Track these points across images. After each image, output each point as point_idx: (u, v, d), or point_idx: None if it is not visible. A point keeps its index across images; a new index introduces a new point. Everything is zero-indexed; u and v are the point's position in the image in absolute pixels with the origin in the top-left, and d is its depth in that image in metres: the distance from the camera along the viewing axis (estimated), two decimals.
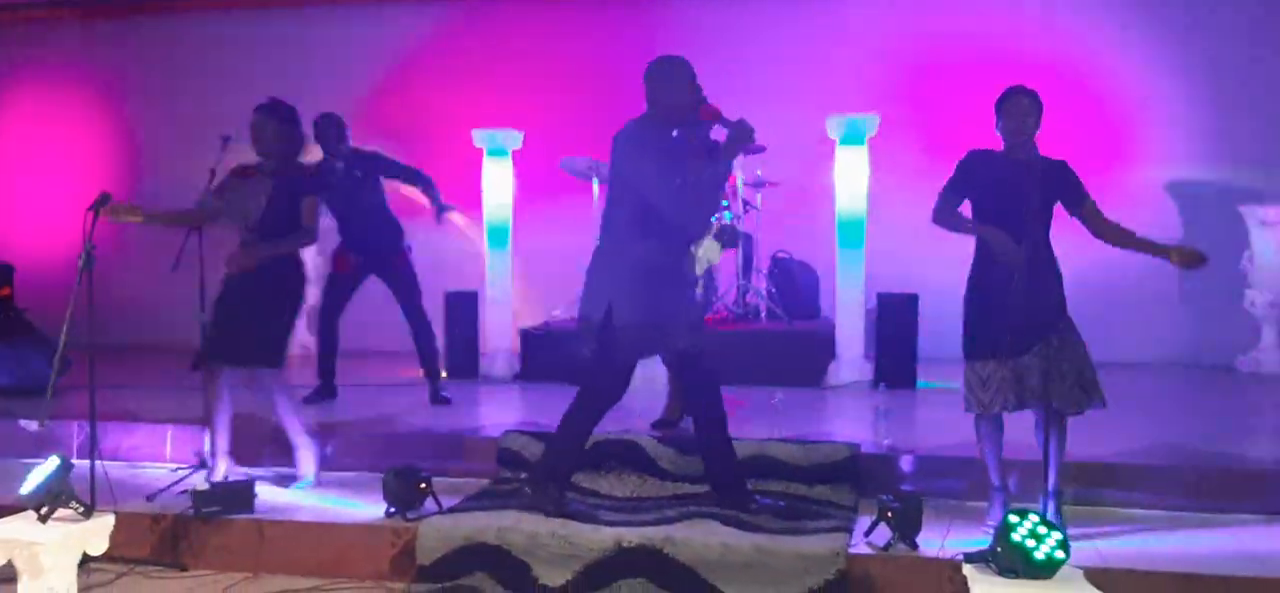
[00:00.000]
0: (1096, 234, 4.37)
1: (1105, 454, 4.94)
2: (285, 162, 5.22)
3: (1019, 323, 4.07)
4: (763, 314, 8.13)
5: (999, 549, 3.02)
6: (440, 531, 4.54)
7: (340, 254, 6.70)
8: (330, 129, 6.51)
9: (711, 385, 4.74)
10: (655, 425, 5.63)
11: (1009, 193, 4.23)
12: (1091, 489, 4.80)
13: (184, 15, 10.11)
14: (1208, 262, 4.20)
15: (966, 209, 4.46)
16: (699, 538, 4.35)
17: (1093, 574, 3.14)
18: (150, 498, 5.02)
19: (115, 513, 3.96)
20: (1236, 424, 6.41)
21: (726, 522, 4.53)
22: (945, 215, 4.43)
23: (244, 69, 9.87)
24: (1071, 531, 4.28)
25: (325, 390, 6.77)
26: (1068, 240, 4.49)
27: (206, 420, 5.25)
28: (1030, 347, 4.21)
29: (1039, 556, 2.94)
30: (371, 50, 9.77)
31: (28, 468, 4.00)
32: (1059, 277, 4.36)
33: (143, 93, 10.06)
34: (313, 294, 6.85)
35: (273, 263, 5.13)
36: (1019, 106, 4.26)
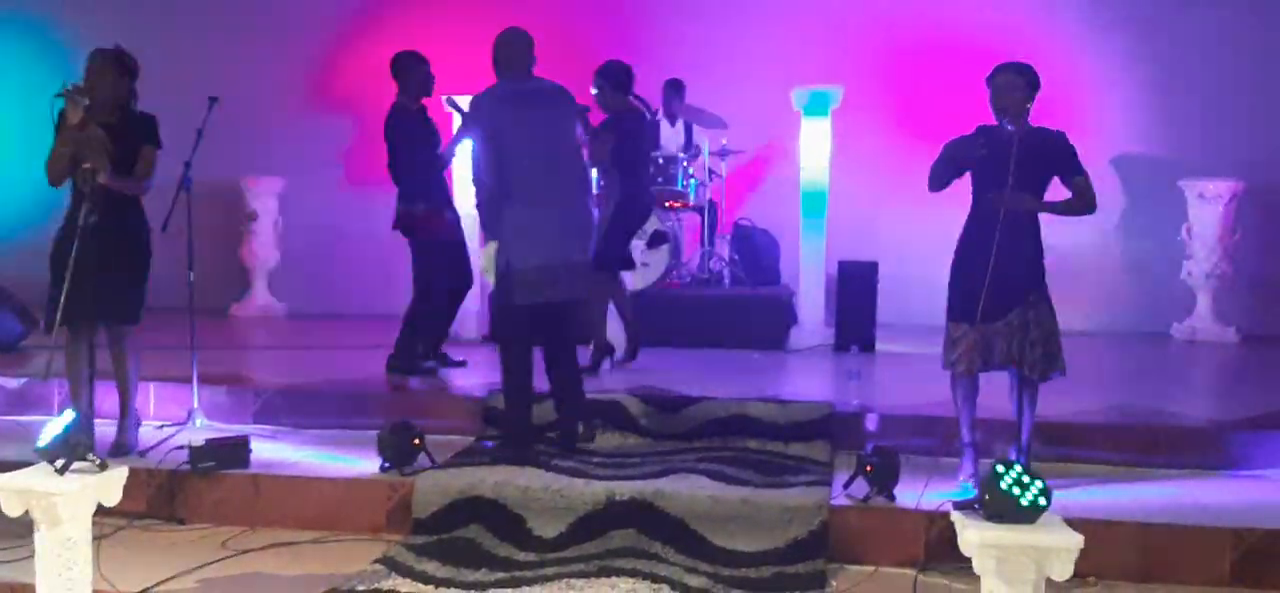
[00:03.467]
0: (1076, 203, 4.57)
1: (1061, 414, 5.23)
2: (124, 111, 5.07)
3: (996, 288, 4.32)
4: (726, 280, 8.35)
5: (987, 497, 3.25)
6: (437, 485, 4.70)
7: (436, 213, 6.39)
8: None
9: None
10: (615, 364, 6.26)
11: (999, 167, 4.43)
12: (1050, 446, 5.09)
13: None
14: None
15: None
16: (687, 491, 4.56)
17: None
18: (143, 454, 5.09)
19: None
20: (1177, 387, 6.80)
21: (711, 476, 4.74)
22: (939, 175, 4.62)
23: (201, 25, 9.78)
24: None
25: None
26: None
27: (87, 381, 5.07)
28: (1005, 312, 4.45)
29: (1025, 502, 3.18)
30: (329, 8, 9.75)
31: (9, 425, 4.02)
32: (1040, 248, 4.59)
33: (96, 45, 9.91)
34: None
35: (132, 219, 5.07)
36: (1005, 83, 4.49)
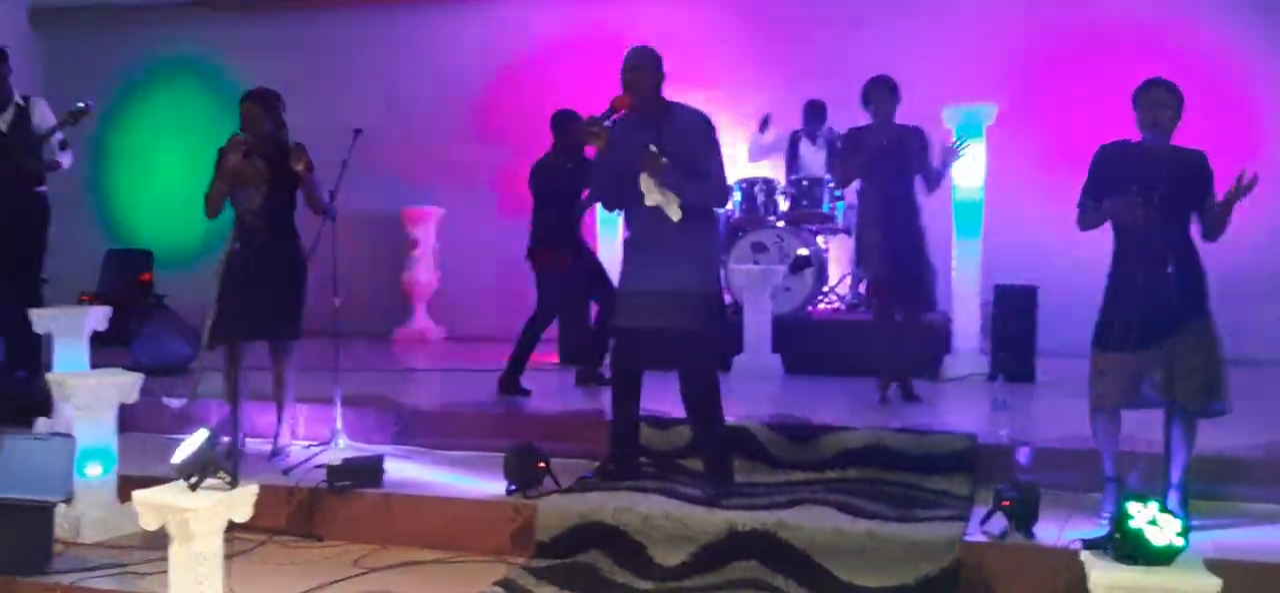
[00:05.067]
0: (1204, 233, 4.31)
1: (1223, 448, 4.82)
2: (277, 145, 5.49)
3: (1147, 316, 4.04)
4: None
5: (1117, 536, 3.01)
6: (558, 509, 4.69)
7: (553, 252, 6.78)
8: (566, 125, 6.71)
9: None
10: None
11: (1141, 185, 4.17)
12: (1214, 483, 4.71)
13: (314, 10, 10.47)
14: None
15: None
16: (811, 523, 4.41)
17: (1212, 565, 3.11)
18: (286, 472, 5.28)
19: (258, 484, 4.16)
20: None
21: (840, 508, 4.57)
22: (1087, 218, 4.42)
23: (364, 64, 10.23)
24: (1192, 522, 4.23)
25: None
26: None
27: (234, 397, 5.57)
28: (1159, 340, 4.15)
29: (1158, 542, 2.93)
30: (486, 47, 10.02)
31: (174, 442, 4.22)
32: (1200, 271, 4.29)
33: (274, 85, 10.44)
34: None
35: (287, 242, 5.50)
36: (1155, 98, 4.23)
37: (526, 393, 6.59)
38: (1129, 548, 2.98)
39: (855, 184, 6.75)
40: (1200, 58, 8.12)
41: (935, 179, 6.42)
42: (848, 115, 8.33)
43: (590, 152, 6.50)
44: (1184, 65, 7.83)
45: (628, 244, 5.01)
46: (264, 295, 5.37)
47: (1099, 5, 8.55)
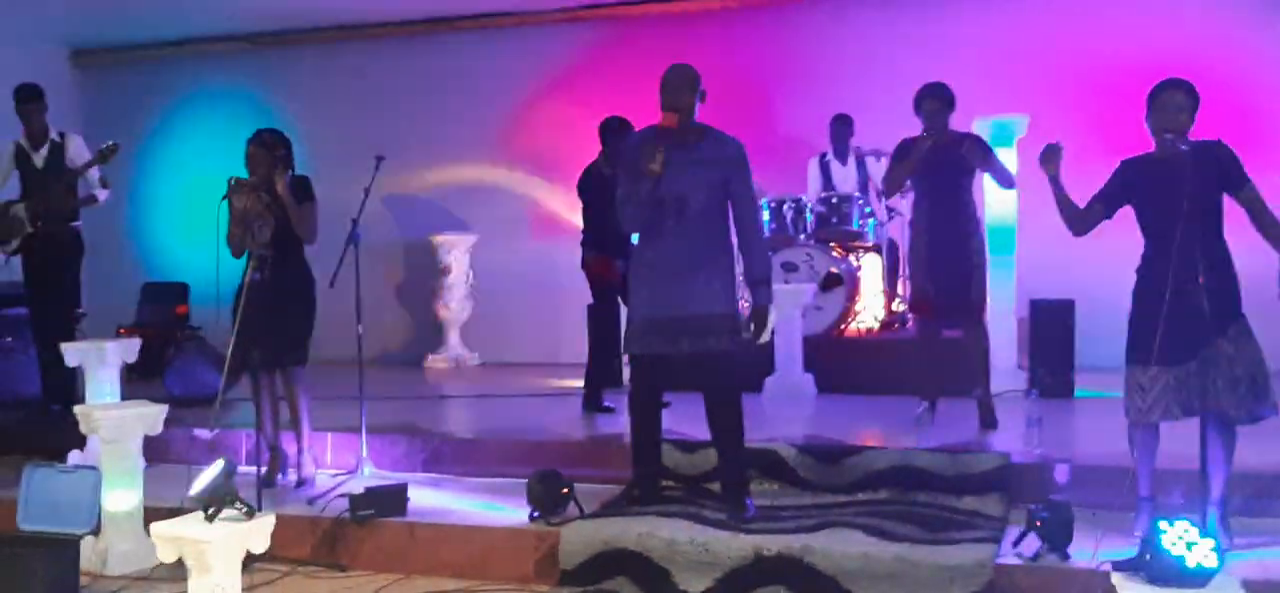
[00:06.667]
0: (1256, 225, 4.12)
1: (1268, 464, 4.66)
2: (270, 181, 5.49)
3: (1181, 326, 3.91)
4: (909, 323, 7.98)
5: (1148, 557, 2.91)
6: (582, 536, 4.63)
7: (608, 261, 6.65)
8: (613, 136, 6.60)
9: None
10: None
11: (1165, 192, 4.06)
12: (1261, 500, 4.55)
13: (347, 41, 10.55)
14: None
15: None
16: (839, 547, 4.31)
17: (1255, 587, 2.99)
18: (311, 502, 5.26)
19: (278, 515, 4.14)
20: None
21: (868, 531, 4.47)
22: (1077, 218, 4.38)
23: (395, 92, 10.29)
24: (1236, 542, 4.10)
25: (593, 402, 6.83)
26: (1242, 239, 4.23)
27: (261, 426, 5.58)
28: (1196, 351, 4.02)
29: (1190, 563, 2.82)
30: (515, 72, 10.02)
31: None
32: (1232, 274, 4.14)
33: (303, 117, 10.49)
34: None
35: (295, 272, 5.54)
36: (1172, 102, 4.10)
37: (609, 410, 6.61)
38: (1160, 569, 2.87)
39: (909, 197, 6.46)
40: (1234, 73, 7.94)
41: (1006, 177, 6.06)
42: (877, 131, 8.28)
43: None
44: (1217, 79, 7.68)
45: (651, 267, 4.75)
46: (273, 324, 5.37)
47: (1132, 17, 8.39)
